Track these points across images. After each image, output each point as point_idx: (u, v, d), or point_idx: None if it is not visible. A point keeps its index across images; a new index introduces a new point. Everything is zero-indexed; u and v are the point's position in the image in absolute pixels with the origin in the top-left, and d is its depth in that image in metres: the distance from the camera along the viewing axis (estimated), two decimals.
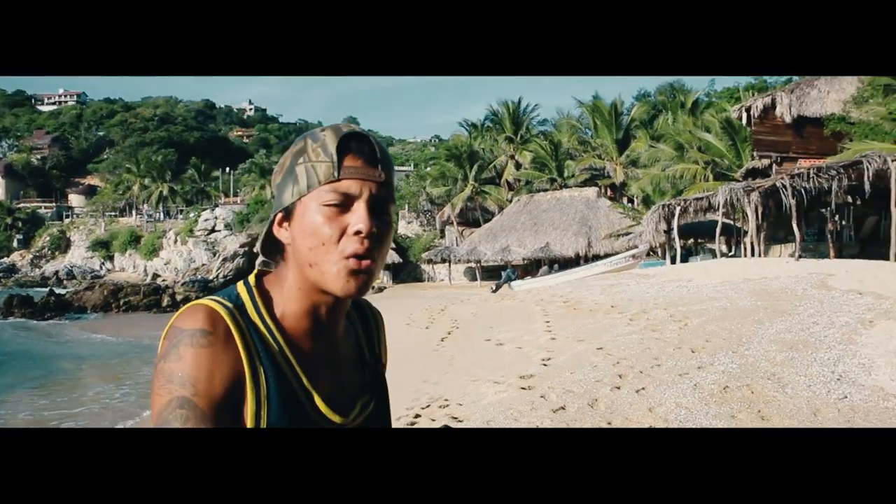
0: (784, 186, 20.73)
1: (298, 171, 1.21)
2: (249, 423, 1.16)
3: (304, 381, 1.23)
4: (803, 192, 20.37)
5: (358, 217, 1.18)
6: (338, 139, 1.20)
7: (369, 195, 1.19)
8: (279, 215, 1.24)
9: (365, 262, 1.18)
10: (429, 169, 62.44)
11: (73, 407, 15.00)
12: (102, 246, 68.72)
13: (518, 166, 48.12)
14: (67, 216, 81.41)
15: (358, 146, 1.21)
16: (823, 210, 23.30)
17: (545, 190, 44.14)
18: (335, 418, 1.26)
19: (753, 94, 29.78)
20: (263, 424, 1.17)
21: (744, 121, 27.03)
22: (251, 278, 1.28)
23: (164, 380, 1.13)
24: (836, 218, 24.38)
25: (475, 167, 47.41)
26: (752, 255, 22.47)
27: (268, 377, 1.18)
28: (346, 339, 1.35)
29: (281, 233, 1.24)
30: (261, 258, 1.28)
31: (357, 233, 1.18)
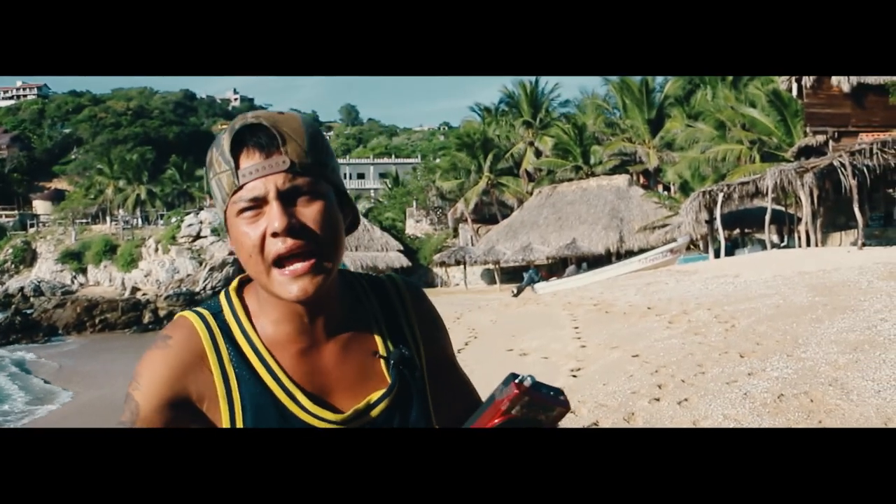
0: (843, 165, 20.63)
1: (213, 187, 1.29)
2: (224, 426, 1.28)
3: (286, 381, 1.29)
4: (866, 170, 20.25)
5: (271, 216, 1.22)
6: (231, 141, 1.25)
7: (276, 190, 1.23)
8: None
9: (297, 262, 1.24)
10: (438, 160, 62.50)
11: None
12: (73, 257, 68.97)
13: (538, 154, 48.08)
14: (32, 225, 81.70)
15: (252, 138, 1.24)
16: (890, 190, 23.18)
17: (570, 179, 44.07)
18: (330, 416, 1.30)
19: None
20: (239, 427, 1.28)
21: (794, 92, 26.85)
22: (233, 285, 1.39)
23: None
24: None
25: (490, 157, 47.42)
26: (808, 244, 22.36)
27: (241, 382, 1.28)
28: (355, 330, 1.38)
29: (230, 244, 1.33)
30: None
31: (274, 234, 1.22)
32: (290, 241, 1.22)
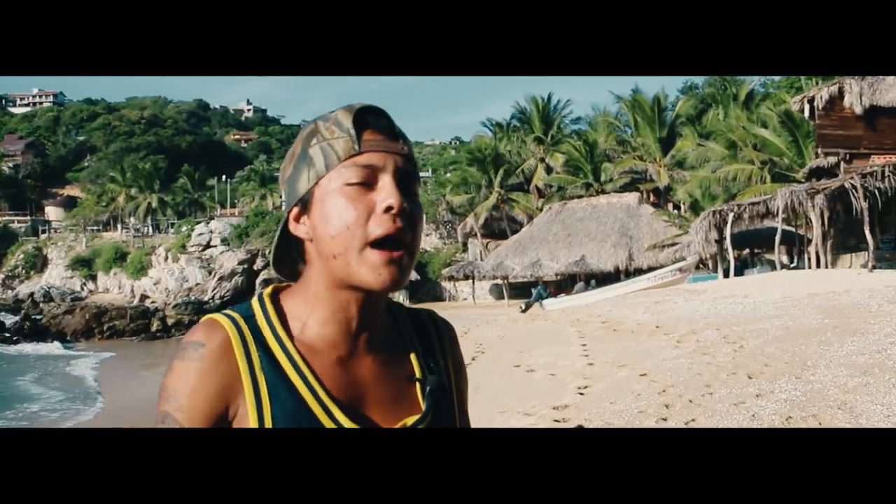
0: (854, 187, 20.58)
1: (313, 153, 1.23)
2: None
3: (322, 393, 1.22)
4: (877, 193, 20.21)
5: (387, 192, 1.20)
6: (353, 114, 1.23)
7: (395, 168, 1.21)
8: (294, 210, 1.26)
9: (397, 251, 1.19)
10: (449, 175, 62.69)
11: None
12: (84, 264, 69.15)
13: (549, 170, 48.15)
14: (44, 231, 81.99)
15: (375, 120, 1.24)
16: None
17: (580, 196, 44.12)
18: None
19: (817, 83, 29.61)
20: None
21: (806, 113, 26.78)
22: (266, 290, 1.31)
23: (160, 394, 1.21)
24: None
25: (501, 172, 47.47)
26: (818, 266, 22.30)
27: (272, 391, 1.20)
28: (392, 351, 1.34)
29: (299, 228, 1.26)
30: (269, 271, 1.27)
31: (388, 209, 1.18)
32: (399, 222, 1.19)
